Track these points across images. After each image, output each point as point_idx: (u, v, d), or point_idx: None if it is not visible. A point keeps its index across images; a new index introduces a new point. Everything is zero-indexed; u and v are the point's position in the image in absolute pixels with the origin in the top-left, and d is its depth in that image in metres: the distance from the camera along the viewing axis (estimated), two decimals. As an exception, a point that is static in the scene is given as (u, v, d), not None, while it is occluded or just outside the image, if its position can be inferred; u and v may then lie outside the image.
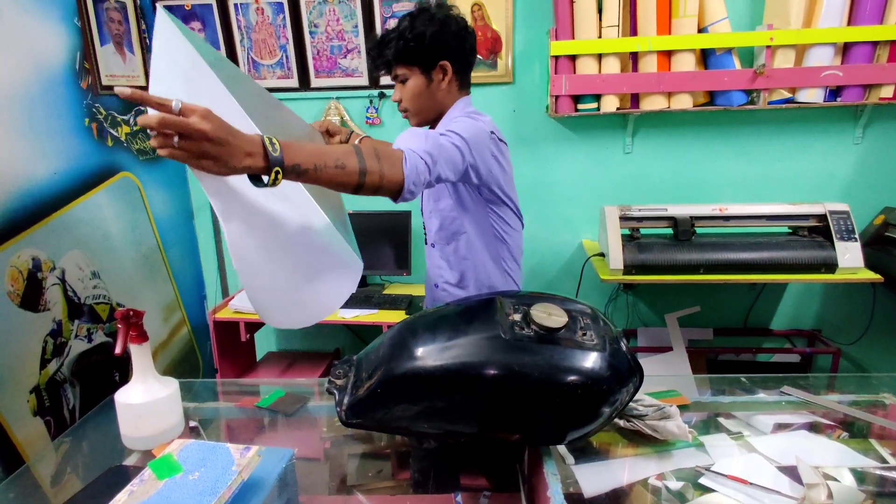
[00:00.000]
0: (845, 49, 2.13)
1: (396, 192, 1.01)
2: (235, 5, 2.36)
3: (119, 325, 1.06)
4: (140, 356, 1.08)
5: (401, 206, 2.41)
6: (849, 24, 2.09)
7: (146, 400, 1.07)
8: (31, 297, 1.72)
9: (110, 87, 2.09)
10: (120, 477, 0.98)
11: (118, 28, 2.14)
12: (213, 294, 2.76)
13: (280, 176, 0.83)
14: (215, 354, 2.37)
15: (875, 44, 2.08)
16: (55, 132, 1.85)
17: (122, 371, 2.11)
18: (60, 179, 1.85)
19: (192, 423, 1.19)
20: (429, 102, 1.35)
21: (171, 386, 1.12)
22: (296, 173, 0.86)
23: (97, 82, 2.01)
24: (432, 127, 1.42)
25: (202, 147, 0.75)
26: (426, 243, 1.53)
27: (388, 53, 1.31)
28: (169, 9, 2.38)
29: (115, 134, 2.13)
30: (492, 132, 1.29)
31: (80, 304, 1.93)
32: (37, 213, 1.76)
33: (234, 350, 2.46)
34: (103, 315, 2.03)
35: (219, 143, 0.75)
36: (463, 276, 1.46)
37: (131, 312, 1.06)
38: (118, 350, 1.05)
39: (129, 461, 1.07)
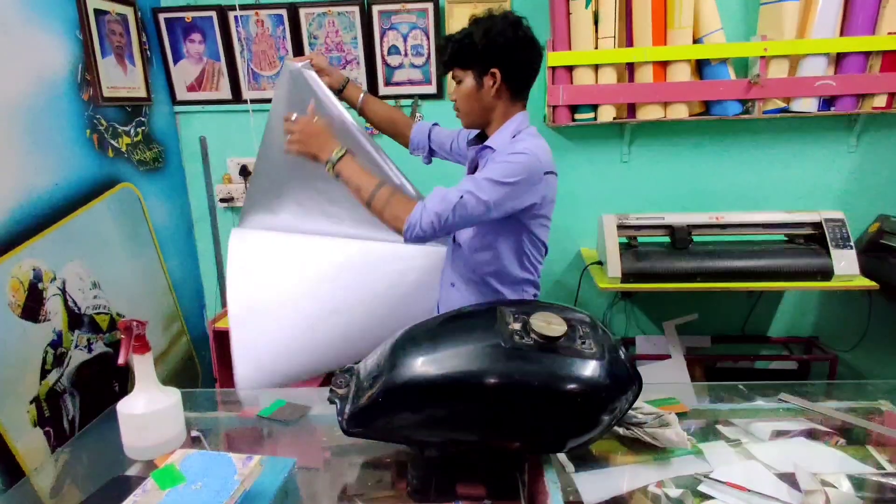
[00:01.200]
0: (838, 59, 2.15)
1: (398, 233, 1.31)
2: (235, 17, 2.38)
3: (122, 336, 1.07)
4: (142, 366, 1.09)
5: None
6: (841, 34, 2.12)
7: (149, 410, 1.07)
8: (32, 307, 1.72)
9: (111, 99, 2.11)
10: (122, 487, 0.98)
11: (119, 40, 2.16)
12: (213, 304, 2.76)
13: (332, 170, 1.36)
14: (215, 364, 2.37)
15: (867, 54, 2.11)
16: (56, 143, 1.86)
17: (121, 381, 2.11)
18: (61, 190, 1.86)
19: (194, 433, 1.19)
20: (477, 106, 1.39)
21: (174, 396, 1.12)
22: (336, 174, 1.37)
23: (98, 94, 2.03)
24: (482, 131, 1.47)
25: (300, 139, 1.39)
26: (453, 241, 1.54)
27: (446, 54, 1.39)
28: (169, 21, 2.40)
29: (116, 145, 2.15)
30: (546, 172, 1.36)
31: (81, 314, 1.93)
32: (38, 223, 1.77)
33: (234, 360, 2.46)
34: (103, 325, 2.04)
35: (311, 135, 1.39)
36: (479, 284, 1.48)
37: (134, 323, 1.07)
38: (121, 360, 1.06)
39: (132, 471, 1.08)
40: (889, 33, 2.06)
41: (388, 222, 1.31)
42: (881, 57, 2.10)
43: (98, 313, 2.02)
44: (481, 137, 1.50)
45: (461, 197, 1.26)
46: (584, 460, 1.07)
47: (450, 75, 1.43)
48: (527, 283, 1.49)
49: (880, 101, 2.14)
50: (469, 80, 1.37)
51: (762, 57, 2.12)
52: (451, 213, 1.26)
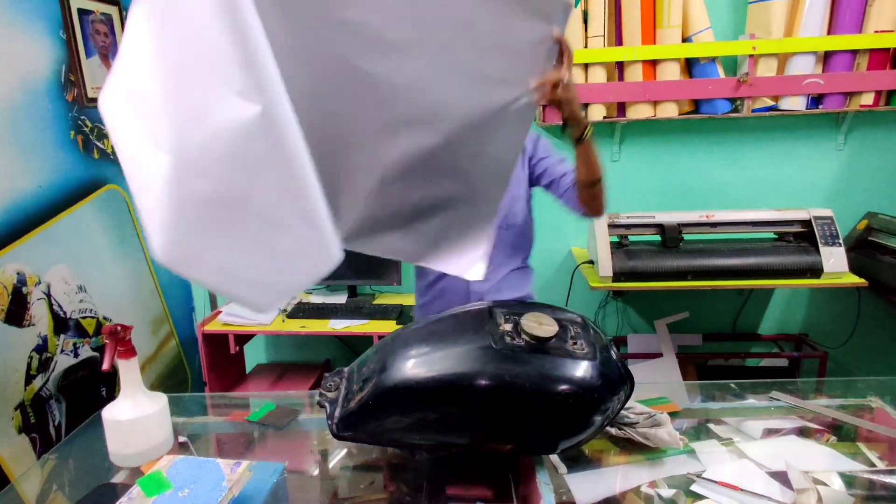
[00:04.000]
0: (826, 58, 2.17)
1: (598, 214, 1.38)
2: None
3: (106, 341, 1.05)
4: (128, 372, 1.07)
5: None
6: (828, 33, 2.14)
7: (134, 416, 1.06)
8: (16, 312, 1.69)
9: (96, 100, 2.08)
10: (108, 495, 0.97)
11: (104, 40, 2.13)
12: (202, 306, 2.73)
13: (589, 131, 1.29)
14: (204, 368, 2.34)
15: (854, 52, 2.13)
16: (40, 145, 1.83)
17: (108, 386, 2.08)
18: (45, 193, 1.83)
19: (182, 439, 1.17)
20: None
21: (160, 401, 1.11)
22: (587, 142, 1.30)
23: (83, 94, 2.00)
24: None
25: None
26: None
27: None
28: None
29: (102, 146, 2.12)
30: None
31: (66, 318, 1.90)
32: (21, 226, 1.74)
33: (224, 363, 2.44)
34: (90, 329, 2.01)
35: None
36: (504, 265, 1.51)
37: (119, 328, 1.05)
38: (106, 366, 1.04)
39: (118, 479, 1.06)
40: (875, 32, 2.07)
41: (602, 201, 1.36)
42: (868, 55, 2.11)
43: (84, 317, 1.99)
44: None
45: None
46: (577, 461, 1.06)
47: None
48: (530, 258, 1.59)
49: (867, 98, 2.16)
50: None
51: (751, 56, 2.13)
52: None
